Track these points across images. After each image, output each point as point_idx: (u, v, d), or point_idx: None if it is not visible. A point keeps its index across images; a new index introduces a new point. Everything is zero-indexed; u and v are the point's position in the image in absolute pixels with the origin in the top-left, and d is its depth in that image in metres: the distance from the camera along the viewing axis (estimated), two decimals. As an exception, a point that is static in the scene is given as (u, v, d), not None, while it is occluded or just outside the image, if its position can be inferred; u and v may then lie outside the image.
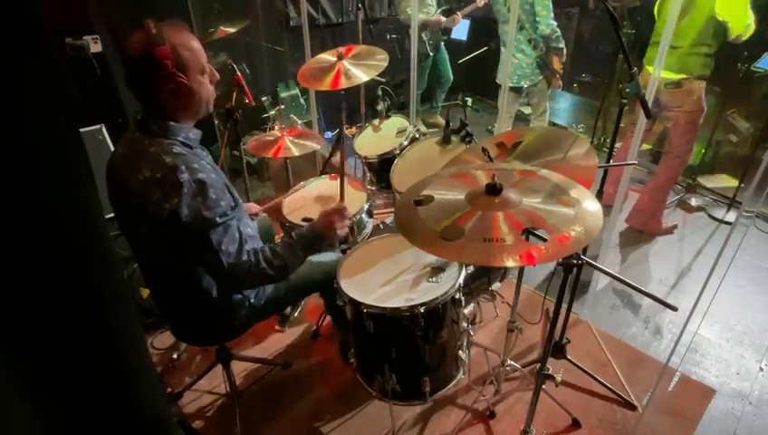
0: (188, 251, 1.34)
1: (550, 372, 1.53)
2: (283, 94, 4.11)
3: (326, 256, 1.83)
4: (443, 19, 4.30)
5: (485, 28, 5.13)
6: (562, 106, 4.78)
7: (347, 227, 1.59)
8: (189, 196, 1.24)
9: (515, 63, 3.41)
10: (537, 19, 3.22)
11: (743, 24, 2.47)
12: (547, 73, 3.37)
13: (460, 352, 1.70)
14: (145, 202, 1.27)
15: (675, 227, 3.19)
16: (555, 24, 3.21)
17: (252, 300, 1.59)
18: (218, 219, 1.28)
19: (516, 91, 3.59)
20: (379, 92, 2.53)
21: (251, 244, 1.39)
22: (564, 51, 3.29)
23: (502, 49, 3.53)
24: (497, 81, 3.57)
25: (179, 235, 1.28)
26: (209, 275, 1.44)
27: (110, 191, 1.41)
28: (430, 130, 4.40)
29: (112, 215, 1.44)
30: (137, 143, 1.33)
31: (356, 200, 2.06)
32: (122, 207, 1.42)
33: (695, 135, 2.86)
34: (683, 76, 2.66)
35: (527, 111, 5.04)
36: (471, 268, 1.85)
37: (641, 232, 3.14)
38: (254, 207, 1.96)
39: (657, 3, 2.77)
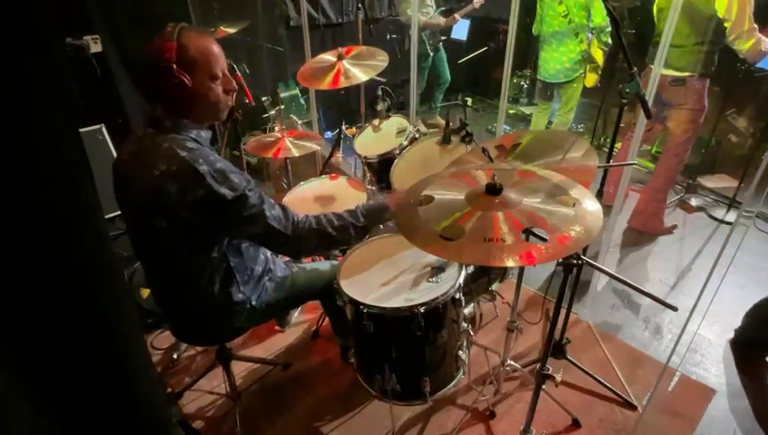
0: (236, 231, 1.41)
1: (550, 372, 1.52)
2: (283, 94, 4.11)
3: (323, 265, 1.83)
4: (442, 20, 4.32)
5: (485, 28, 5.14)
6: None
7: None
8: (215, 184, 1.27)
9: (555, 58, 3.41)
10: (592, 11, 3.21)
11: (742, 23, 2.46)
12: (590, 67, 3.35)
13: (460, 352, 1.69)
14: (162, 197, 1.28)
15: (675, 226, 3.19)
16: None
17: (253, 302, 1.59)
18: (248, 192, 1.32)
19: (550, 86, 3.60)
20: (379, 92, 2.52)
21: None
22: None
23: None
24: (538, 76, 3.62)
25: (220, 220, 1.33)
26: (269, 246, 1.49)
27: (117, 189, 1.42)
28: (430, 131, 4.40)
29: (112, 215, 1.43)
30: (147, 140, 1.33)
31: (356, 200, 2.07)
32: (131, 205, 1.42)
33: (695, 134, 2.86)
34: (688, 74, 2.66)
35: (528, 111, 5.06)
36: (471, 268, 1.85)
37: (641, 232, 3.14)
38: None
39: (656, 2, 2.77)
